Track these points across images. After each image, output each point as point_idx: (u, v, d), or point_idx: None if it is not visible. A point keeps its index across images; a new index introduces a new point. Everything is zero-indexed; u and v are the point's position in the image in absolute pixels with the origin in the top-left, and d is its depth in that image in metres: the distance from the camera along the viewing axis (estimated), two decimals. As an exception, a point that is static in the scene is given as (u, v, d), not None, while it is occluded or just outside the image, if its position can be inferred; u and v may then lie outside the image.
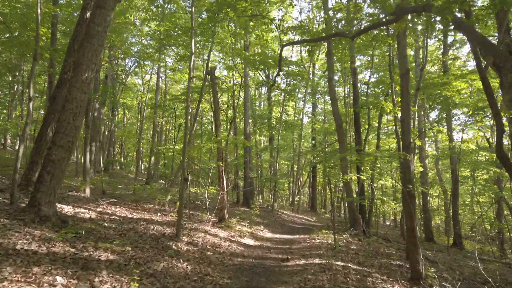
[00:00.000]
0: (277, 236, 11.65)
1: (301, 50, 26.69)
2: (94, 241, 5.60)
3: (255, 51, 16.10)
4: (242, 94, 17.80)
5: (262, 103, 31.24)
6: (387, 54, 11.63)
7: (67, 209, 7.56)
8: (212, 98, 10.90)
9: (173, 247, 6.56)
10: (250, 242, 9.47)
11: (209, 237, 8.37)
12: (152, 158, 23.20)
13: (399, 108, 10.86)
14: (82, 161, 16.81)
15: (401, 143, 11.00)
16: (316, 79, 25.84)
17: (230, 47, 13.43)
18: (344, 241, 10.60)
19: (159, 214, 9.61)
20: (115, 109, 25.92)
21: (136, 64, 20.56)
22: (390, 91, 10.85)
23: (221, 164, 10.20)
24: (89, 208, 8.27)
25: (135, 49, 16.07)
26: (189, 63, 7.28)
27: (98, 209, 8.43)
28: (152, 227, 7.78)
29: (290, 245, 9.85)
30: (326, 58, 21.94)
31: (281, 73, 26.30)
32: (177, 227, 7.29)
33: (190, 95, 17.09)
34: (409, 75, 7.33)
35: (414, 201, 7.11)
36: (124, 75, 27.61)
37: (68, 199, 8.80)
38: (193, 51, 7.33)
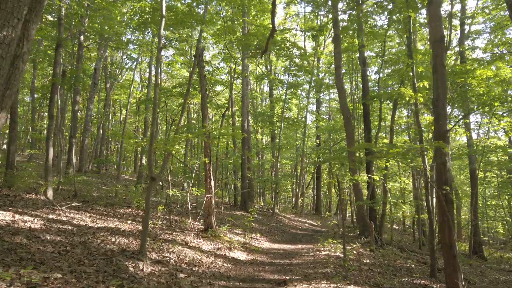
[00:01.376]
0: (276, 246, 9.94)
1: (305, 45, 25.01)
2: (7, 265, 3.94)
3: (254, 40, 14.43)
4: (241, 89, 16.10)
5: (264, 102, 29.61)
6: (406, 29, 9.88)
7: (3, 216, 5.92)
8: (199, 84, 9.26)
9: (130, 269, 4.87)
10: (241, 256, 7.77)
11: (188, 251, 6.68)
12: (144, 157, 21.57)
13: (421, 95, 9.12)
14: (68, 157, 15.31)
15: (423, 137, 9.29)
16: (321, 75, 24.12)
17: (224, 29, 11.75)
18: (355, 252, 8.88)
19: (129, 222, 7.92)
20: (107, 105, 24.40)
21: (122, 52, 18.92)
22: (411, 74, 9.12)
23: (207, 162, 8.51)
24: (37, 214, 6.61)
25: (117, 30, 14.47)
26: (159, 28, 5.65)
27: (50, 216, 6.77)
28: (113, 240, 6.11)
29: (290, 259, 8.14)
30: (332, 51, 20.29)
31: (282, 68, 24.74)
32: (142, 240, 5.61)
33: (184, 89, 15.52)
34: (444, 43, 5.62)
35: (453, 207, 5.39)
36: (118, 70, 26.06)
37: (17, 204, 7.16)
38: (164, 13, 5.69)
